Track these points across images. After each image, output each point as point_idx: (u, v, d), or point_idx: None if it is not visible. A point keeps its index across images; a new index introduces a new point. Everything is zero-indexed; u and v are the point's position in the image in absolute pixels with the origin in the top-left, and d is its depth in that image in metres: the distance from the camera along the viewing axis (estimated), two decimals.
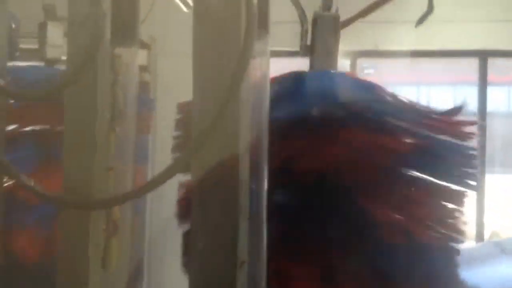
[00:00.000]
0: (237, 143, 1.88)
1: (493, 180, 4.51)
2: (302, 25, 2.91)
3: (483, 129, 4.72)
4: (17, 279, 3.48)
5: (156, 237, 4.79)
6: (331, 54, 2.77)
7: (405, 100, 2.59)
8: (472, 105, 5.39)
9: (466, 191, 2.48)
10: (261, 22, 1.91)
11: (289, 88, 2.47)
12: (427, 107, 2.63)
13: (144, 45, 4.59)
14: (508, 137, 5.99)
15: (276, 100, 2.25)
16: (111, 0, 2.03)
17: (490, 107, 5.51)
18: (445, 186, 2.47)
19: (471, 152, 2.46)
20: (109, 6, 2.01)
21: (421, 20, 3.37)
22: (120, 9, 2.08)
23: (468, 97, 5.61)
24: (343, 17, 3.03)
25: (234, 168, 1.89)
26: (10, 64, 4.20)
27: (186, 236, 2.62)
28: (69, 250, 2.15)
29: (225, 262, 1.91)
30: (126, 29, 2.15)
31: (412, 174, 2.44)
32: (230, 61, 1.77)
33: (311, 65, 2.73)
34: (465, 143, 2.47)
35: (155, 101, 4.57)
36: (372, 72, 6.11)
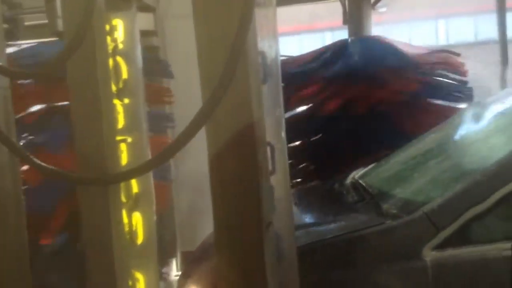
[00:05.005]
0: (250, 98, 1.78)
1: None
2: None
3: (504, 54, 4.98)
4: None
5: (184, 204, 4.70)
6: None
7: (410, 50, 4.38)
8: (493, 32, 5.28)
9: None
10: None
11: (339, 51, 4.34)
12: (427, 50, 4.42)
13: (148, 8, 4.40)
14: None
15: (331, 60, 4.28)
16: None
17: None
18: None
19: (462, 79, 4.26)
20: None
21: None
22: None
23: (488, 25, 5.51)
24: None
25: (250, 127, 1.79)
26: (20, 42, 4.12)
27: None
28: (93, 229, 2.08)
29: (251, 225, 1.83)
30: None
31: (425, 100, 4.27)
32: (233, 16, 1.66)
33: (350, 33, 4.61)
34: (456, 75, 4.26)
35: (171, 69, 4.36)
36: (385, 10, 5.90)
